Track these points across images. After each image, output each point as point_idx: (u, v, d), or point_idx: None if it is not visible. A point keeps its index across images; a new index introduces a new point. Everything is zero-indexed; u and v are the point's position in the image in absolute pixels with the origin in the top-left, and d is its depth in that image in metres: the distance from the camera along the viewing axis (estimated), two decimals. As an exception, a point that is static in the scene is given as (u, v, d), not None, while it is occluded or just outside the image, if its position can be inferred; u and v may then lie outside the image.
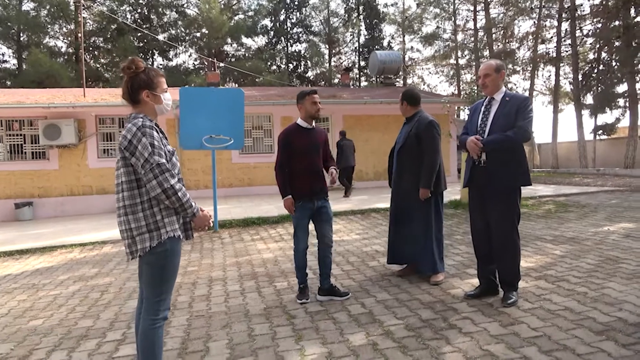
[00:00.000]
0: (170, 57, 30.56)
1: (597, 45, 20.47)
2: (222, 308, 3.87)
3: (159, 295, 2.33)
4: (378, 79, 20.37)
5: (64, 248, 7.03)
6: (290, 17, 33.11)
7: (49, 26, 26.56)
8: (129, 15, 28.91)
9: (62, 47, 28.15)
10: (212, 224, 2.45)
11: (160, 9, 29.42)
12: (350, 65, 33.77)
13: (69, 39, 27.46)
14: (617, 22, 18.63)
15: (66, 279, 5.21)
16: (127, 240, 2.28)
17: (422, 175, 4.20)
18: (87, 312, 4.00)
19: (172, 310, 3.78)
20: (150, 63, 28.39)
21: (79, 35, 23.84)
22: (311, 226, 4.01)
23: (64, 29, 27.33)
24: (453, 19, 29.12)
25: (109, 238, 7.50)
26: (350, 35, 33.90)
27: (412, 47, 33.70)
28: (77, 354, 3.11)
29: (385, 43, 32.96)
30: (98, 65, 28.16)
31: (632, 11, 18.06)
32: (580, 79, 20.48)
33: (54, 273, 5.55)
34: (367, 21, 32.81)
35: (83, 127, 12.17)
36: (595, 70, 20.32)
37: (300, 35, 33.49)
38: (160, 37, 28.74)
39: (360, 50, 33.31)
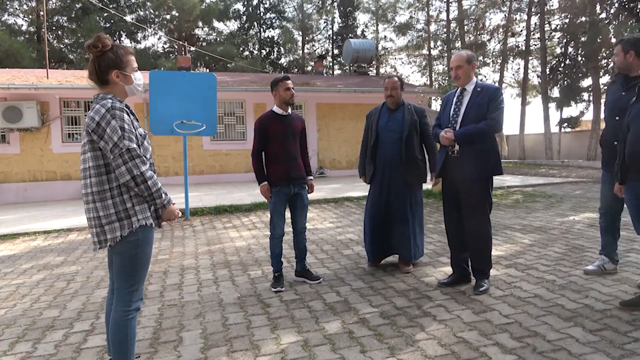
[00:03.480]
0: (139, 39, 29.59)
1: (565, 40, 21.02)
2: (195, 297, 3.80)
3: (131, 285, 2.24)
4: (351, 68, 20.33)
5: (27, 235, 6.75)
6: (264, 1, 32.52)
7: (8, 2, 25.20)
8: (94, -6, 27.75)
9: (22, 25, 26.83)
10: (178, 218, 2.38)
11: (128, -11, 28.36)
12: (323, 52, 33.52)
13: (30, 16, 26.14)
14: (583, 18, 19.15)
15: (30, 268, 5.00)
16: (95, 229, 2.17)
17: (432, 161, 4.23)
18: (53, 301, 3.85)
19: (143, 300, 3.68)
20: (117, 45, 27.26)
21: (41, 13, 22.74)
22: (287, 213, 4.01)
23: (25, 6, 25.98)
24: (426, 9, 29.26)
25: (75, 225, 7.24)
26: (324, 22, 33.64)
27: (385, 36, 33.76)
28: (43, 345, 2.99)
29: (359, 31, 32.82)
30: (62, 46, 26.97)
31: (598, 8, 18.59)
32: (547, 72, 21.01)
33: (16, 262, 5.32)
34: (341, 9, 32.53)
35: (46, 110, 11.65)
36: (562, 65, 20.89)
37: (274, 20, 32.99)
38: (128, 18, 27.74)
39: (334, 38, 33.09)
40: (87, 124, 2.13)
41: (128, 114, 2.19)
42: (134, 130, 2.16)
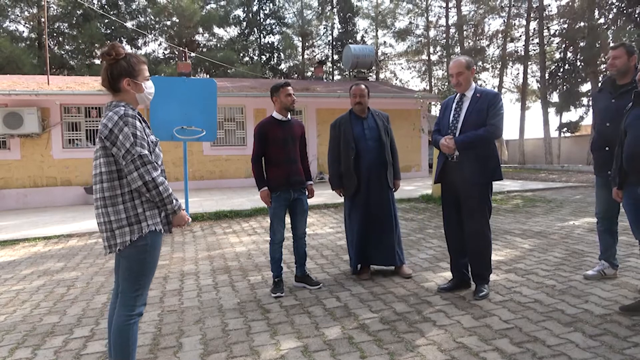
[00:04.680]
0: (139, 45, 29.67)
1: (563, 45, 21.11)
2: (195, 303, 3.80)
3: (136, 290, 2.26)
4: (351, 73, 20.40)
5: (27, 241, 6.75)
6: (263, 7, 32.66)
7: (10, 9, 25.28)
8: (95, 1, 27.87)
9: (23, 31, 26.89)
10: (188, 223, 2.40)
11: (128, -5, 28.48)
12: (323, 58, 33.60)
13: (32, 23, 26.24)
14: (582, 23, 19.24)
15: (30, 274, 5.00)
16: (105, 233, 2.20)
17: (397, 166, 4.37)
18: (53, 307, 3.85)
19: (145, 305, 3.68)
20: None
21: (42, 19, 22.86)
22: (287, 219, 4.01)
23: (26, 13, 26.09)
24: (425, 15, 29.41)
25: (75, 231, 7.25)
26: (324, 28, 33.76)
27: (385, 42, 34.01)
28: (43, 351, 2.99)
29: (358, 37, 32.94)
30: (62, 52, 27.06)
31: (597, 13, 18.68)
32: (547, 77, 21.08)
33: (16, 267, 5.32)
34: (341, 14, 32.66)
35: (47, 116, 11.68)
36: (561, 70, 20.97)
37: (274, 26, 33.09)
38: (129, 24, 27.84)
39: (334, 43, 33.20)
40: (100, 131, 2.17)
41: (140, 121, 2.23)
42: (145, 137, 2.20)
